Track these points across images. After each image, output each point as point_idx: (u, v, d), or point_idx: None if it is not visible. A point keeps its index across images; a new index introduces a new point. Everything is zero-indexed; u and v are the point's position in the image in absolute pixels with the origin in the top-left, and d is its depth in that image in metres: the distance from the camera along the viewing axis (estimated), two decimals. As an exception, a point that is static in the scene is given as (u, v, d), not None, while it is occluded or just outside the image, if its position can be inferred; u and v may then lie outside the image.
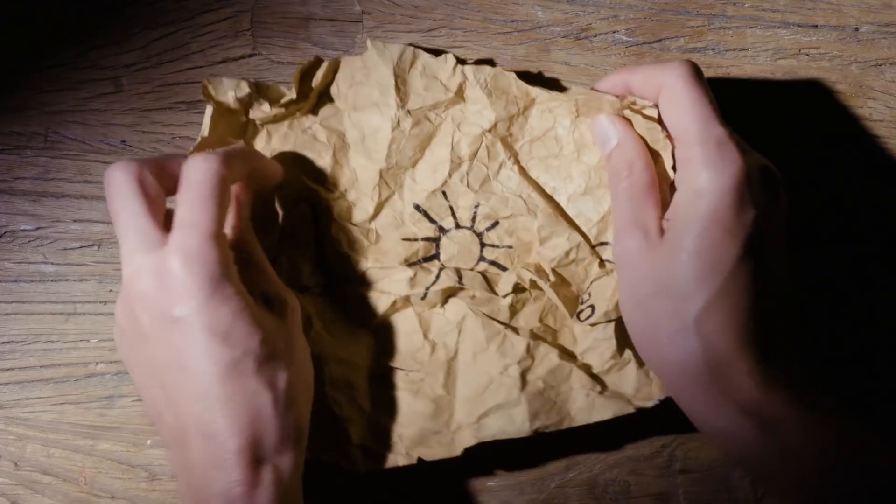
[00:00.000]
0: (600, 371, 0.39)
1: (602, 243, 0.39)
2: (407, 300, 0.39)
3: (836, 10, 0.42)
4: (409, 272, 0.39)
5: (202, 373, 0.32)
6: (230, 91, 0.38)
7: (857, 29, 0.42)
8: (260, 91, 0.39)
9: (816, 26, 0.42)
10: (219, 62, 0.41)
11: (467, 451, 0.38)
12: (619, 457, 0.41)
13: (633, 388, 0.38)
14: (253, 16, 0.42)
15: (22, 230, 0.41)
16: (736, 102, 0.42)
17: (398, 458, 0.38)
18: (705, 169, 0.33)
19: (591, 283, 0.39)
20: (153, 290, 0.32)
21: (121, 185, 0.33)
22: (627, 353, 0.38)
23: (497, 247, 0.40)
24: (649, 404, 0.38)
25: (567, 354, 0.39)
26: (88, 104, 0.41)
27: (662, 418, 0.40)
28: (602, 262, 0.39)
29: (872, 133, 0.42)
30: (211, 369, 0.32)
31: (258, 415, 0.32)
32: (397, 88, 0.39)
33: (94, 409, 0.41)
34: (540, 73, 0.42)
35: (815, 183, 0.42)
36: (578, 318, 0.39)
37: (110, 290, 0.41)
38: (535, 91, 0.39)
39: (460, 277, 0.39)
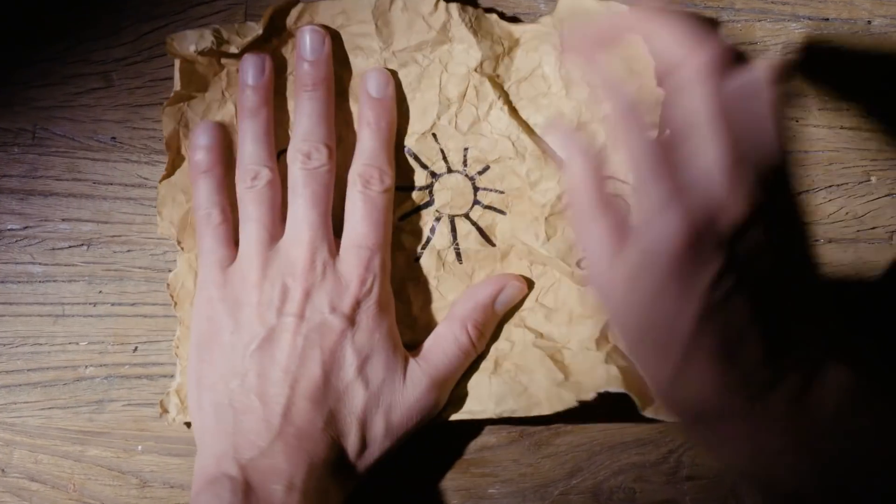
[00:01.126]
0: (570, 361, 0.38)
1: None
2: (398, 260, 0.39)
3: (847, 3, 0.41)
4: (401, 225, 0.39)
5: (326, 374, 0.35)
6: (192, 44, 0.37)
7: (869, 22, 0.41)
8: (227, 32, 0.38)
9: (828, 19, 0.41)
10: (212, 56, 0.40)
11: (465, 457, 0.38)
12: (625, 463, 0.40)
13: (594, 387, 0.37)
14: (247, 9, 0.41)
15: (9, 229, 0.40)
16: None
17: None
18: (646, 234, 0.29)
19: None
20: (324, 281, 0.35)
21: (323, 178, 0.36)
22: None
23: (490, 190, 0.39)
24: (612, 389, 0.36)
25: (546, 340, 0.38)
26: (77, 100, 0.40)
27: (669, 424, 0.39)
28: None
29: (888, 129, 0.41)
30: (339, 377, 0.35)
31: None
32: (379, 30, 0.39)
33: (83, 413, 0.40)
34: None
35: (829, 179, 0.41)
36: (579, 266, 0.38)
37: (100, 292, 0.40)
38: (519, 30, 0.39)
39: (455, 234, 0.39)
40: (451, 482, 0.40)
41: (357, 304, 0.35)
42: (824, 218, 0.41)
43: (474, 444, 0.40)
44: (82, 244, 0.40)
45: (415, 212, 0.39)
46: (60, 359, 0.40)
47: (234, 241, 0.37)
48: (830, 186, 0.41)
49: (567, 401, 0.37)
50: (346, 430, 0.35)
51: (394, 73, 0.39)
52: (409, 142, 0.39)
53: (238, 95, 0.38)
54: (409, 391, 0.36)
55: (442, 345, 0.37)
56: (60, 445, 0.39)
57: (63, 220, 0.40)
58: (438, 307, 0.39)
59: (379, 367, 0.35)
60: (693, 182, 0.29)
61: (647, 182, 0.29)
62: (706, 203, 0.28)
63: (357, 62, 0.39)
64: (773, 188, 0.29)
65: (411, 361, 0.36)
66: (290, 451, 0.34)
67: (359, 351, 0.35)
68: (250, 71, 0.37)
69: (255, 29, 0.38)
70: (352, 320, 0.35)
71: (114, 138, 0.40)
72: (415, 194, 0.39)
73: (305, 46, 0.38)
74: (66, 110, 0.40)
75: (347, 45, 0.39)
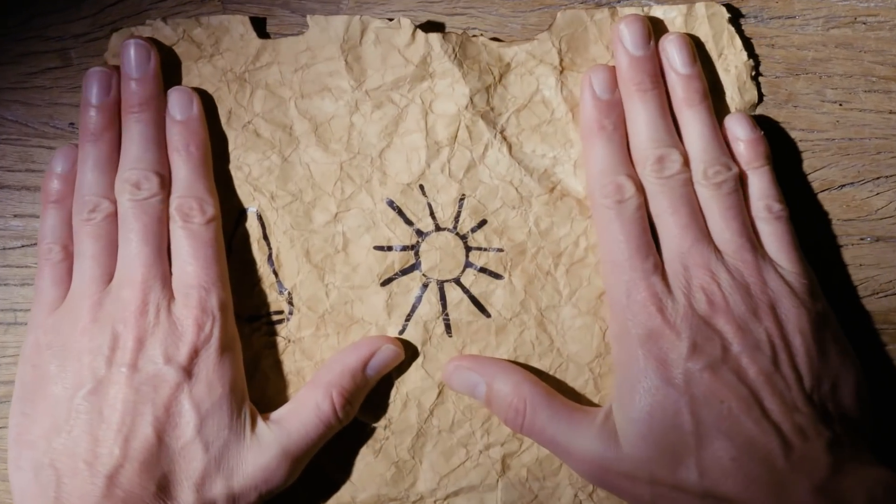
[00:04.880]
0: None
1: None
2: (381, 333, 0.36)
3: (897, -28, 0.37)
4: (384, 294, 0.36)
5: (178, 427, 0.32)
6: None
7: (921, -7, 0.37)
8: (186, 27, 0.36)
9: (875, -10, 0.37)
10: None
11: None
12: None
13: None
14: (223, -17, 0.37)
15: (-46, 227, 0.37)
16: (782, 79, 0.37)
17: None
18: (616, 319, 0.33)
19: None
20: (158, 327, 0.32)
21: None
22: None
23: (485, 250, 0.36)
24: None
25: None
26: (31, 80, 0.37)
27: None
28: None
29: (941, 113, 0.37)
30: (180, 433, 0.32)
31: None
32: (349, 67, 0.36)
33: (37, 434, 0.36)
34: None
35: (877, 170, 0.37)
36: None
37: (56, 297, 0.36)
38: (510, 53, 0.36)
39: (444, 302, 0.36)
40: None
41: (195, 353, 0.32)
42: (871, 213, 0.37)
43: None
44: (36, 243, 0.37)
45: (398, 276, 0.36)
46: (12, 372, 0.36)
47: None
48: (878, 178, 0.37)
49: None
50: (181, 497, 0.31)
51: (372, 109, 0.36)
52: (393, 194, 0.36)
53: (80, 115, 0.35)
54: (256, 458, 0.32)
55: (301, 412, 0.33)
56: (12, 470, 0.36)
57: (15, 216, 0.37)
58: (425, 387, 0.36)
59: (221, 427, 0.32)
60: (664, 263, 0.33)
61: (621, 265, 0.33)
62: (672, 287, 0.32)
63: (324, 105, 0.36)
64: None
65: (262, 423, 0.33)
66: None
67: (197, 407, 0.32)
68: (94, 88, 0.35)
69: (227, 23, 0.36)
70: (189, 372, 0.32)
71: (72, 124, 0.37)
72: (398, 255, 0.36)
73: (130, 62, 0.35)
74: (18, 92, 0.37)
75: (312, 87, 0.36)
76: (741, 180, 0.34)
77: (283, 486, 0.33)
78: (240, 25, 0.36)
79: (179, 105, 0.35)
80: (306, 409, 0.33)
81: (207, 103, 0.36)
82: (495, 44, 0.36)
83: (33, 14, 0.37)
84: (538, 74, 0.36)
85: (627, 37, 0.34)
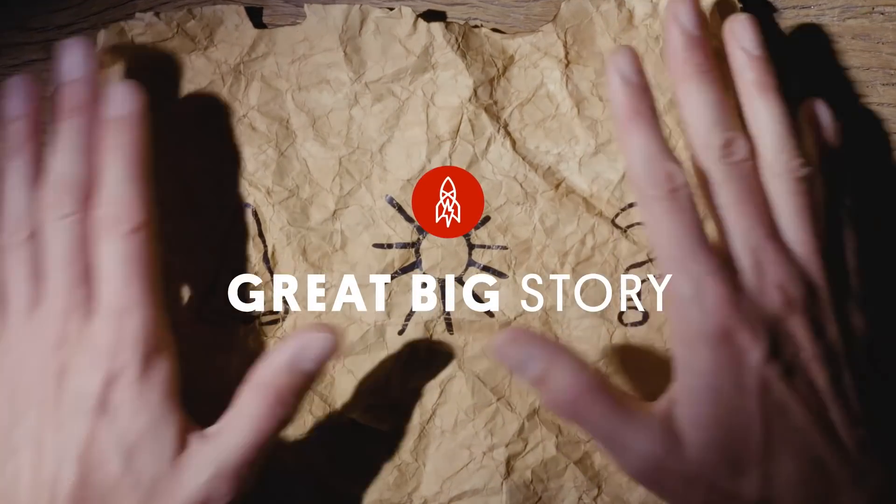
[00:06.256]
0: (602, 466, 0.35)
1: (630, 205, 0.35)
2: (381, 333, 0.35)
3: (918, -41, 0.37)
4: (383, 292, 0.35)
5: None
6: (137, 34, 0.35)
7: (942, -18, 0.37)
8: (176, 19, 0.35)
9: (893, -22, 0.37)
10: (172, 22, 0.36)
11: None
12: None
13: (638, 501, 0.35)
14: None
15: (-67, 227, 0.36)
16: (796, 71, 0.36)
17: None
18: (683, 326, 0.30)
19: (641, 284, 0.35)
20: (76, 356, 0.30)
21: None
22: None
23: (489, 247, 0.35)
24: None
25: (569, 440, 0.35)
26: (13, 73, 0.36)
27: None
28: (625, 231, 0.35)
29: (962, 108, 0.37)
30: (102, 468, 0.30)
31: None
32: (348, 59, 0.35)
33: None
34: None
35: (891, 168, 0.36)
36: (621, 321, 0.35)
37: (40, 300, 0.35)
38: (514, 44, 0.35)
39: (445, 301, 0.35)
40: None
41: (110, 383, 0.30)
42: (889, 212, 0.36)
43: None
44: (19, 245, 0.35)
45: (398, 274, 0.35)
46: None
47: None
48: (896, 175, 0.37)
49: None
50: None
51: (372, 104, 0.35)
52: (393, 190, 0.35)
53: None
54: (191, 481, 0.30)
55: (236, 422, 0.31)
56: None
57: (-6, 215, 0.36)
58: (427, 388, 0.35)
59: (149, 460, 0.30)
60: (730, 262, 0.30)
61: (685, 260, 0.30)
62: (744, 284, 0.30)
63: (322, 98, 0.35)
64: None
65: (195, 444, 0.31)
66: None
67: (120, 441, 0.30)
68: (12, 99, 0.33)
69: (221, 13, 0.34)
70: (105, 404, 0.30)
71: (55, 120, 0.36)
72: (398, 253, 0.35)
73: (66, 64, 0.32)
74: (-1, 86, 0.36)
75: (310, 79, 0.35)
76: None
77: (233, 501, 0.31)
78: (234, 15, 0.35)
79: (115, 102, 0.32)
80: (240, 417, 0.31)
81: (202, 97, 0.34)
82: (498, 35, 0.35)
83: (14, 4, 0.36)
84: (542, 67, 0.35)
85: (684, 15, 0.32)
